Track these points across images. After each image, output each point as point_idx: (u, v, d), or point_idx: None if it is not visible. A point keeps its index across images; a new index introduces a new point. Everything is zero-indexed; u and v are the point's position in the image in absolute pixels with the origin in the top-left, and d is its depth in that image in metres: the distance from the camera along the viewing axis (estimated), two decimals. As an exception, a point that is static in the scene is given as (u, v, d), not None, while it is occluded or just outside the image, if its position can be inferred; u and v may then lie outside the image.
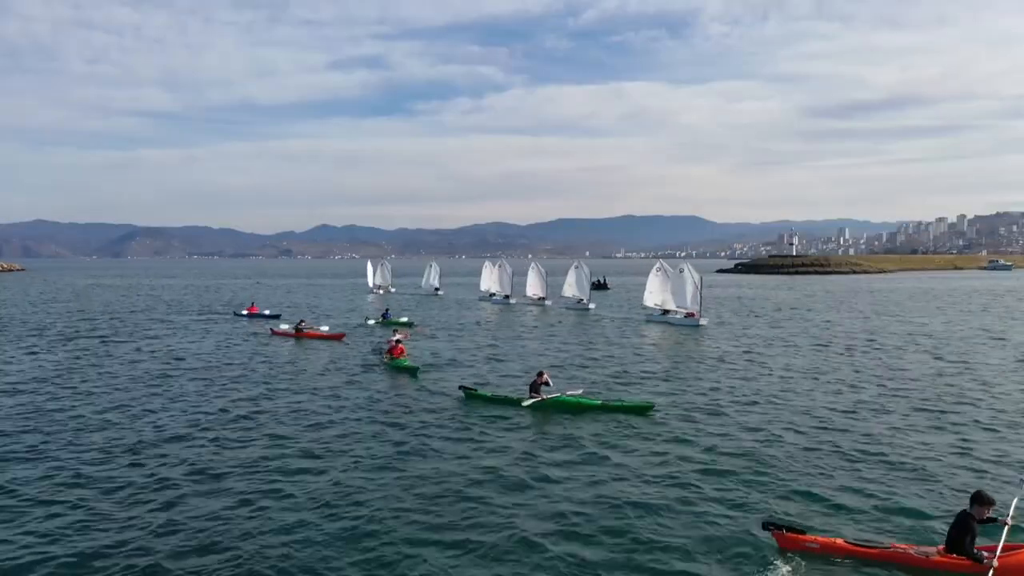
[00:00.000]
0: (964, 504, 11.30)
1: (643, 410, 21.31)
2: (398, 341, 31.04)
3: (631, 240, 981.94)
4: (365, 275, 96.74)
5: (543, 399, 22.04)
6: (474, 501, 13.78)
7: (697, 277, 49.64)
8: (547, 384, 22.47)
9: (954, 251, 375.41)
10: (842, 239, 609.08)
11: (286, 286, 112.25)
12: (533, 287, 69.50)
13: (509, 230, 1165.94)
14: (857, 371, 28.61)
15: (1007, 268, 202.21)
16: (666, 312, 50.25)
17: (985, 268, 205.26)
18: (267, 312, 54.18)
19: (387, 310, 53.91)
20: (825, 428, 19.34)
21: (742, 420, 20.27)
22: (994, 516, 10.92)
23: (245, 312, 55.64)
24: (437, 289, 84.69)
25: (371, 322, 49.47)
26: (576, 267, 65.62)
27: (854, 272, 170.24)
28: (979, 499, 10.95)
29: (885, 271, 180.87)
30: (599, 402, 22.16)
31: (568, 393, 22.65)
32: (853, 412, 21.16)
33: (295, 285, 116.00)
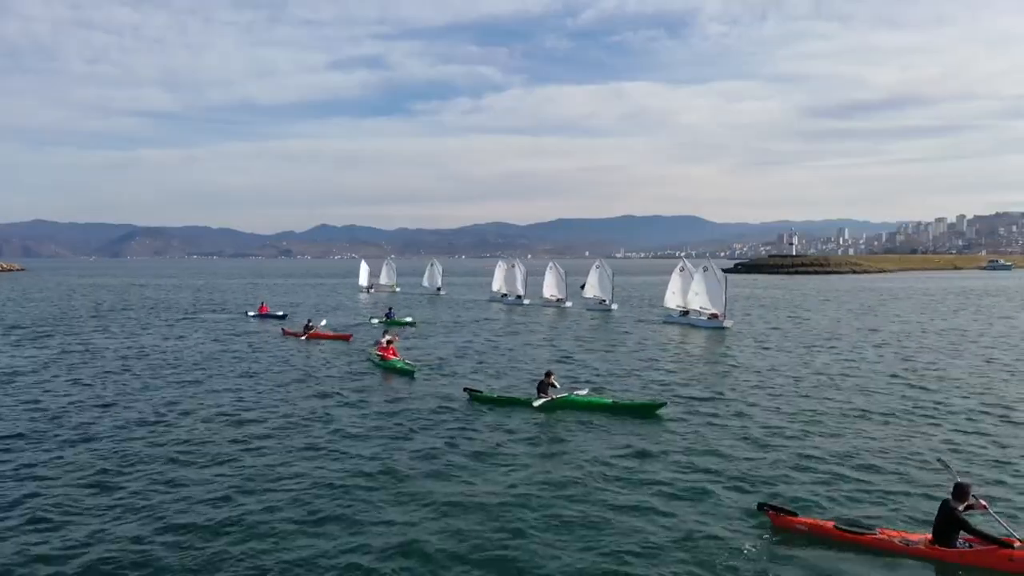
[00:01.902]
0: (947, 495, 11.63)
1: (653, 409, 21.23)
2: (389, 342, 30.55)
3: (631, 240, 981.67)
4: (361, 275, 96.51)
5: (552, 399, 21.88)
6: (483, 501, 13.75)
7: (721, 276, 47.41)
8: (554, 385, 22.28)
9: (953, 251, 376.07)
10: (841, 239, 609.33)
11: (284, 286, 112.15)
12: (550, 288, 65.76)
13: (509, 230, 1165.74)
14: (877, 371, 28.55)
15: (1007, 268, 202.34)
16: (686, 313, 48.50)
17: (984, 268, 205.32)
18: (279, 313, 53.31)
19: (390, 309, 53.22)
20: (837, 425, 19.57)
21: (758, 418, 20.50)
22: (972, 504, 11.18)
23: (255, 313, 54.74)
24: (439, 289, 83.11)
25: (375, 321, 49.24)
26: (598, 266, 62.52)
27: (854, 272, 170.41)
28: (960, 491, 11.22)
29: (885, 271, 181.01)
30: (609, 401, 22.08)
31: (576, 393, 22.54)
32: (865, 412, 21.17)
33: (294, 285, 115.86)
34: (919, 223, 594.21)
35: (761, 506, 12.68)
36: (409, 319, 49.85)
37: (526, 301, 65.85)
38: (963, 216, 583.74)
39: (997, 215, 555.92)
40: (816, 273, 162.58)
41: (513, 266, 71.32)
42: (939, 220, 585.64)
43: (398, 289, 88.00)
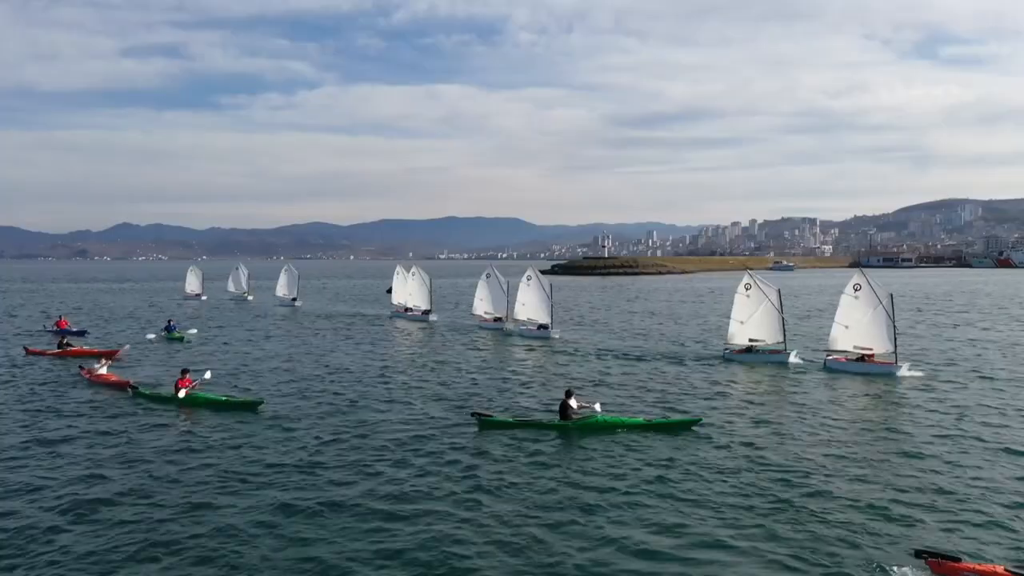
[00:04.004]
0: None
1: (689, 425, 20.97)
2: (184, 372, 26.30)
3: (454, 241, 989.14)
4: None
5: (582, 417, 21.03)
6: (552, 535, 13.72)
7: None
8: (573, 407, 21.34)
9: (747, 252, 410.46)
10: (651, 241, 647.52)
11: (79, 291, 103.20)
12: (484, 303, 52.92)
13: (330, 230, 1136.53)
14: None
15: (789, 268, 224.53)
16: (751, 349, 35.76)
17: (771, 269, 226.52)
18: (75, 330, 46.80)
19: (170, 321, 48.01)
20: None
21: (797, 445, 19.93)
22: None
23: (52, 327, 47.56)
24: (295, 299, 71.78)
25: (151, 336, 44.57)
26: (528, 279, 48.19)
27: (660, 273, 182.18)
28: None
29: (687, 271, 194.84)
30: (641, 420, 21.45)
31: (603, 413, 21.66)
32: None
33: (97, 292, 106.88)
34: (718, 226, 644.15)
35: (919, 553, 11.67)
36: (193, 331, 46.27)
37: (433, 317, 56.32)
38: (755, 220, 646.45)
39: (783, 220, 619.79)
40: (627, 274, 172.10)
41: (414, 274, 59.65)
42: (734, 224, 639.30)
43: (250, 298, 79.43)
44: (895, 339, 31.93)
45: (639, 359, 36.24)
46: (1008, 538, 13.50)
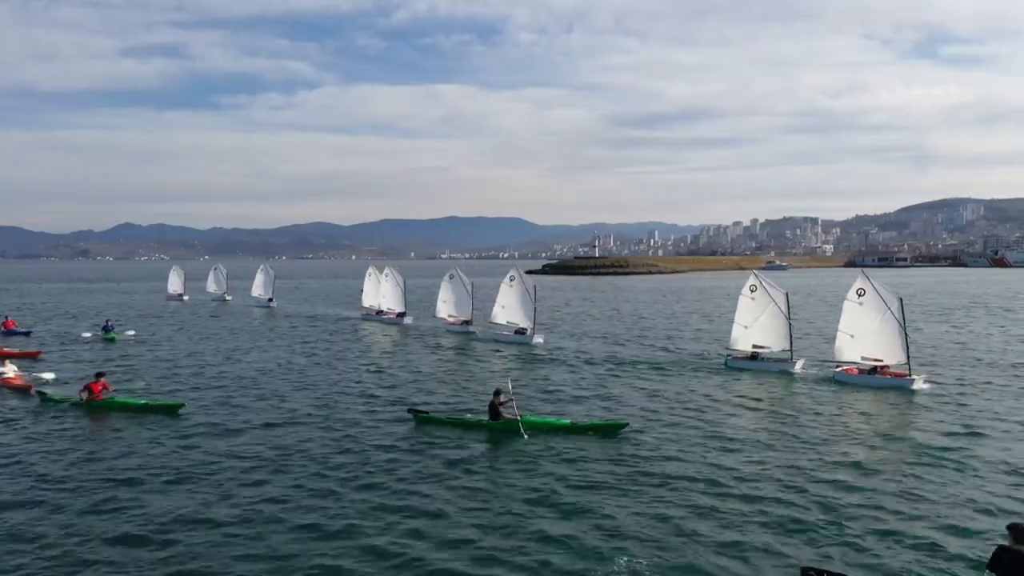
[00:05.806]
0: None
1: (617, 429, 20.59)
2: (99, 375, 25.36)
3: (455, 241, 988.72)
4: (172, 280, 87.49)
5: (509, 419, 20.98)
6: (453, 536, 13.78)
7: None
8: (507, 405, 21.36)
9: (748, 252, 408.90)
10: (652, 241, 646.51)
11: (57, 290, 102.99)
12: (447, 305, 50.19)
13: (331, 230, 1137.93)
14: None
15: (783, 268, 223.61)
16: (755, 356, 33.40)
17: (764, 268, 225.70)
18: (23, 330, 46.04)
19: (108, 321, 47.29)
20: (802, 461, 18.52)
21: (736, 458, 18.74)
22: None
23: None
24: (270, 299, 71.51)
25: (87, 335, 44.20)
26: (512, 279, 45.07)
27: (650, 273, 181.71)
28: (1018, 532, 9.66)
29: (677, 271, 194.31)
30: (568, 422, 21.38)
31: (530, 415, 21.74)
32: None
33: (69, 291, 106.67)
34: (719, 226, 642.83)
35: (806, 572, 11.42)
36: (131, 332, 45.66)
37: (408, 320, 53.91)
38: (756, 220, 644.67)
39: (784, 219, 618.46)
40: (616, 274, 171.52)
41: (387, 276, 57.34)
42: (736, 224, 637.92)
43: (229, 298, 79.00)
44: (908, 348, 29.15)
45: (632, 365, 33.97)
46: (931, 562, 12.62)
